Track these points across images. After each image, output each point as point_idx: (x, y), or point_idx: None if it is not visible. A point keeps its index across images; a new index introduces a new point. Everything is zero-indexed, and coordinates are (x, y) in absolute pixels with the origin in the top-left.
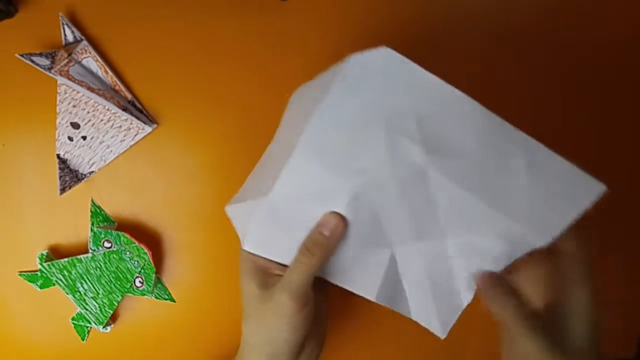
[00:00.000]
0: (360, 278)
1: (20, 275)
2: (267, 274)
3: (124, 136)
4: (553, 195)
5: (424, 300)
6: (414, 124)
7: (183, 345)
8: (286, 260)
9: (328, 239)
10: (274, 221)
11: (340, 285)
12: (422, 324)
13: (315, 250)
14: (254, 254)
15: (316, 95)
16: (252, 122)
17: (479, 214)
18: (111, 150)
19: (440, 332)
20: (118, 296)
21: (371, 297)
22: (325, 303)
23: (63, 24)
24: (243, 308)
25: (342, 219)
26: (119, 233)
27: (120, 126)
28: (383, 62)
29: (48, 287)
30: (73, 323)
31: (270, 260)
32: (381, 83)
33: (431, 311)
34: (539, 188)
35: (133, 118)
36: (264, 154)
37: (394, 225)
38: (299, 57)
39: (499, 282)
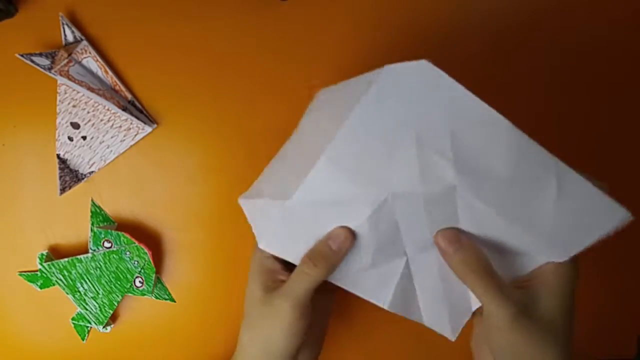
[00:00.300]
0: (372, 285)
1: (20, 275)
2: (273, 279)
3: (124, 136)
4: (577, 218)
5: (436, 304)
6: (447, 140)
7: (183, 345)
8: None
9: (335, 253)
10: (292, 225)
11: (352, 291)
12: (434, 328)
13: (319, 262)
14: (265, 255)
15: (347, 102)
16: (252, 121)
17: (501, 230)
18: (111, 150)
19: (451, 335)
20: (118, 296)
21: (384, 304)
22: (330, 302)
23: (63, 24)
24: (244, 309)
25: (351, 234)
26: (119, 233)
27: (120, 126)
28: (420, 75)
29: (48, 287)
30: (73, 323)
31: (279, 264)
32: (417, 96)
33: (443, 314)
34: (564, 211)
35: (133, 118)
36: (283, 147)
37: (412, 234)
38: (298, 56)
39: (466, 242)
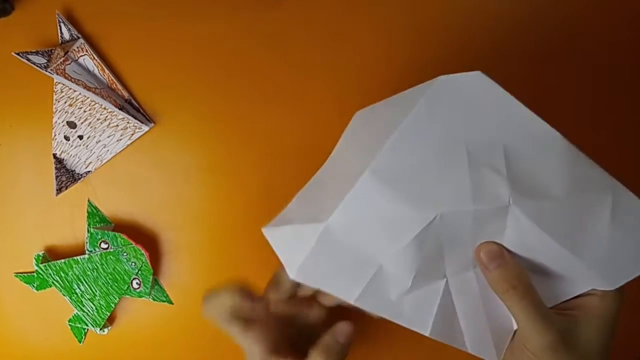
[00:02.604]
0: (412, 312)
1: (16, 276)
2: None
3: (121, 135)
4: (631, 243)
5: (478, 326)
6: (501, 156)
7: (180, 348)
8: (336, 291)
9: (342, 346)
10: (328, 249)
11: (391, 320)
12: (478, 354)
13: (332, 357)
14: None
15: (392, 117)
16: (250, 121)
17: (549, 253)
18: (108, 150)
19: (496, 358)
20: (115, 298)
21: (425, 331)
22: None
23: (59, 22)
24: None
25: (352, 327)
26: (116, 234)
27: (117, 125)
28: (474, 87)
29: (44, 288)
30: (70, 325)
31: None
32: (469, 109)
33: (486, 336)
34: (618, 235)
35: (130, 117)
36: (313, 177)
37: (455, 253)
38: (297, 56)
39: (509, 258)
